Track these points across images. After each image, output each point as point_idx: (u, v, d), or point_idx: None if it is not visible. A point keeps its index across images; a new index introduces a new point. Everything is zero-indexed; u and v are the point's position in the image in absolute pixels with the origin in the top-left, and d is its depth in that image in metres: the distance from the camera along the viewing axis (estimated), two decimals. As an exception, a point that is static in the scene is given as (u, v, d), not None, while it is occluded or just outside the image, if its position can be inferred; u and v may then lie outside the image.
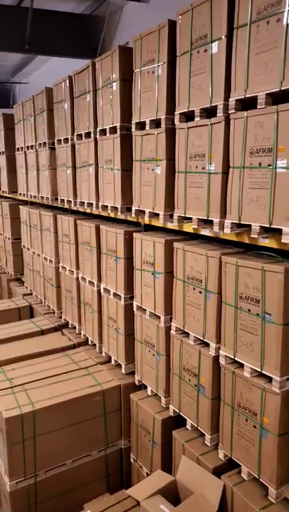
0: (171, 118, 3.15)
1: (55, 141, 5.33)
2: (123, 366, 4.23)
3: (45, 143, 5.63)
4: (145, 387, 4.04)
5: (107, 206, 4.19)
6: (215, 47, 2.57)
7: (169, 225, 3.42)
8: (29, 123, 6.15)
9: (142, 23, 3.43)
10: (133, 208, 3.71)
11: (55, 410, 3.92)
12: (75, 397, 4.02)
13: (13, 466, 3.75)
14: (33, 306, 6.82)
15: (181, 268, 3.19)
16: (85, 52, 5.33)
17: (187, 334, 3.24)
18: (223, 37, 2.53)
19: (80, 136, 4.64)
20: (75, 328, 5.46)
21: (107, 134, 3.98)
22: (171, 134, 3.17)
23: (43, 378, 4.43)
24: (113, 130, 3.90)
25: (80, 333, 5.27)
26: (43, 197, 6.03)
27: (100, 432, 4.23)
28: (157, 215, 3.45)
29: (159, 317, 3.52)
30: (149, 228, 3.89)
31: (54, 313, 6.05)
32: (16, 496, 3.77)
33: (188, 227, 3.22)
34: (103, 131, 4.12)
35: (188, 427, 3.37)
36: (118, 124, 3.74)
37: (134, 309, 3.90)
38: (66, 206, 5.45)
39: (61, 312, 5.89)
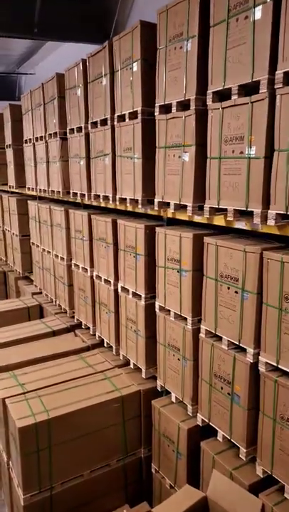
0: (201, 99, 2.84)
1: (67, 131, 5.03)
2: (143, 370, 3.94)
3: (56, 133, 5.33)
4: (168, 393, 3.75)
5: (125, 199, 3.89)
6: (258, 12, 2.26)
7: (197, 218, 3.12)
8: (38, 112, 5.84)
9: (157, 5, 3.10)
10: (156, 200, 3.41)
11: (72, 418, 3.64)
12: (92, 404, 3.74)
13: (27, 478, 3.48)
14: (42, 305, 6.55)
15: (212, 265, 2.89)
16: (97, 37, 5.02)
17: (219, 338, 2.95)
18: (269, 0, 2.21)
19: (94, 123, 4.34)
20: (88, 328, 5.18)
21: (126, 120, 3.67)
22: (201, 117, 2.87)
23: (57, 383, 4.16)
24: (133, 115, 3.59)
25: (95, 335, 4.99)
26: (53, 191, 5.73)
27: (119, 440, 3.96)
28: (184, 207, 3.15)
29: (186, 319, 3.23)
30: (172, 223, 3.59)
31: (66, 313, 5.77)
32: (30, 511, 3.51)
33: (219, 220, 2.92)
34: (121, 117, 3.82)
35: (219, 438, 3.08)
36: (139, 108, 3.43)
37: (157, 310, 3.60)
38: (79, 200, 5.16)
39: (73, 312, 5.61)
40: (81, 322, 5.34)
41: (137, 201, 3.71)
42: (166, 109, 3.22)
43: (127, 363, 4.42)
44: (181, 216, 3.28)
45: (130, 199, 3.77)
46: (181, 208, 3.21)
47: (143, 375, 3.97)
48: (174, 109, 3.05)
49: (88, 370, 4.43)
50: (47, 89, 5.44)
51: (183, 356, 3.31)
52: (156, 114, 3.25)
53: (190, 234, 3.05)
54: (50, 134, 5.55)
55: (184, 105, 3.01)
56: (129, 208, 3.96)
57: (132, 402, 3.97)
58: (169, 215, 3.45)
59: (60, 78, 5.02)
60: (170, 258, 3.31)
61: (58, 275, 5.90)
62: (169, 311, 3.44)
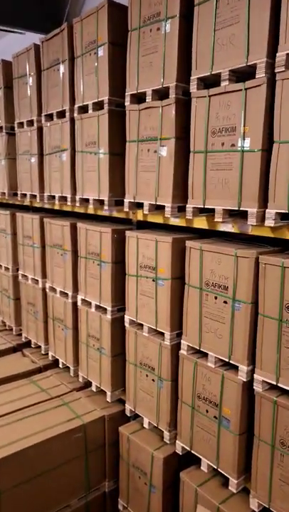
0: (182, 86, 2.54)
1: (15, 125, 4.48)
2: (108, 393, 3.49)
3: (1, 127, 4.75)
4: (136, 416, 3.35)
5: (87, 200, 3.46)
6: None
7: (174, 221, 2.80)
8: (-21, 105, 5.20)
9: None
10: (126, 200, 3.03)
11: (25, 457, 3.08)
12: (49, 437, 3.21)
13: (-29, 536, 2.86)
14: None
15: (196, 273, 2.56)
16: (47, 26, 4.56)
17: (204, 355, 2.62)
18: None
19: (49, 116, 3.87)
20: (39, 347, 4.60)
21: (90, 111, 3.27)
22: (182, 106, 2.56)
23: (4, 414, 3.55)
24: (98, 106, 3.20)
25: (47, 354, 4.43)
26: (-4, 193, 5.10)
27: (81, 475, 3.46)
28: (160, 208, 2.81)
29: (163, 334, 2.86)
30: (141, 227, 3.23)
31: (11, 330, 5.12)
32: None
33: (201, 223, 2.62)
34: (83, 109, 3.40)
35: (203, 468, 2.74)
36: (106, 98, 3.06)
37: (126, 324, 3.20)
38: (28, 202, 4.61)
39: (20, 329, 4.98)
40: (30, 340, 4.75)
41: (102, 202, 3.30)
42: (138, 98, 2.88)
43: (86, 385, 3.93)
44: (155, 218, 2.94)
45: (94, 200, 3.35)
46: (156, 209, 2.86)
47: (108, 399, 3.52)
48: (148, 98, 2.72)
49: (42, 395, 3.87)
50: (-11, 79, 4.86)
51: (158, 376, 2.94)
52: (127, 104, 2.90)
53: (169, 238, 2.71)
54: (-6, 129, 4.95)
55: (161, 94, 2.69)
56: (91, 211, 3.54)
57: (95, 430, 3.49)
58: (140, 218, 3.09)
59: (7, 66, 4.49)
60: (144, 265, 2.94)
61: (1, 288, 5.24)
62: (141, 325, 3.06)
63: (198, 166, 2.44)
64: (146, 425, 3.18)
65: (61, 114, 3.67)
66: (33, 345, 4.70)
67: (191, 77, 2.43)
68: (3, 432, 3.27)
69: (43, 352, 4.48)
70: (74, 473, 3.39)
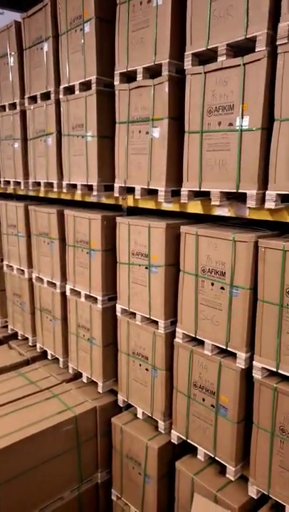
0: (176, 63, 2.42)
1: (-4, 108, 4.28)
2: (100, 384, 3.41)
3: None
4: (128, 407, 3.29)
5: (75, 185, 3.32)
6: None
7: (166, 206, 2.70)
8: None
9: None
10: (116, 185, 2.91)
11: (16, 451, 2.99)
12: (40, 430, 3.12)
13: None
14: None
15: (192, 259, 2.48)
16: (27, 4, 4.31)
17: (200, 342, 2.56)
18: None
19: (33, 98, 3.69)
20: (26, 339, 4.47)
21: (76, 92, 3.11)
22: (176, 85, 2.45)
23: (-6, 408, 3.44)
24: (85, 86, 3.05)
25: (35, 346, 4.31)
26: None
27: (73, 467, 3.39)
28: (153, 192, 2.71)
29: (157, 322, 2.78)
30: (132, 213, 3.13)
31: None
32: None
33: (195, 207, 2.53)
34: (69, 89, 3.24)
35: (199, 456, 2.69)
36: (93, 77, 2.91)
37: (118, 314, 3.11)
38: (11, 190, 4.43)
39: (6, 321, 4.84)
40: (16, 332, 4.61)
41: (90, 187, 3.17)
42: (128, 77, 2.74)
43: (76, 377, 3.84)
44: (147, 204, 2.84)
45: (82, 185, 3.22)
46: (148, 193, 2.76)
47: (99, 389, 3.43)
48: (139, 76, 2.59)
49: (31, 388, 3.76)
50: None
51: (152, 366, 2.87)
52: (116, 83, 2.76)
53: (162, 223, 2.62)
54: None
55: (152, 72, 2.57)
56: (78, 197, 3.41)
57: (86, 421, 3.42)
58: (131, 204, 2.99)
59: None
60: (136, 253, 2.84)
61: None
62: (134, 314, 2.97)
63: (194, 147, 2.34)
64: (140, 415, 3.12)
65: (46, 96, 3.50)
66: (20, 337, 4.56)
67: (186, 53, 2.31)
68: (1, 424, 3.16)
69: (30, 344, 4.36)
70: (66, 465, 3.32)
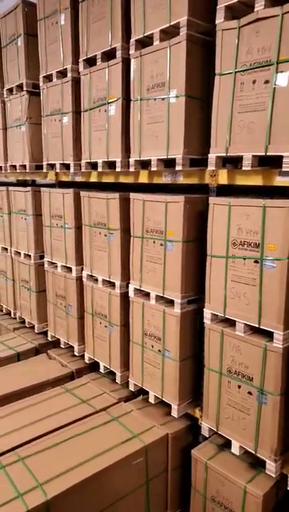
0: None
1: (41, 79, 3.68)
2: (174, 407, 2.77)
3: (20, 85, 3.95)
4: (206, 438, 2.65)
5: (145, 163, 2.71)
6: None
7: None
8: None
9: None
10: (212, 156, 2.28)
11: (81, 492, 2.39)
12: (108, 464, 2.51)
13: None
14: (-7, 319, 5.04)
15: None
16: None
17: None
18: None
19: (90, 61, 3.07)
20: (70, 348, 3.87)
21: (156, 43, 2.48)
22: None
23: (44, 434, 2.83)
24: (168, 34, 2.44)
25: (83, 356, 3.69)
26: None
27: (140, 508, 2.76)
28: (265, 162, 2.09)
29: (271, 334, 2.14)
30: (222, 193, 2.52)
31: (33, 328, 4.36)
32: None
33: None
34: (142, 43, 2.61)
35: None
36: (184, 19, 2.28)
37: (208, 321, 2.47)
38: (53, 176, 3.84)
39: (44, 327, 4.23)
40: (56, 340, 4.02)
41: (167, 163, 2.56)
42: (235, 11, 2.13)
43: (134, 395, 3.22)
44: (254, 179, 2.21)
45: (158, 160, 2.59)
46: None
47: (174, 413, 2.79)
48: (259, 4, 1.97)
49: (84, 408, 3.15)
50: None
51: (260, 389, 2.22)
52: (221, 20, 2.14)
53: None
54: None
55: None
56: (144, 179, 2.81)
57: (157, 452, 2.80)
58: (223, 181, 2.36)
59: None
60: (240, 242, 2.20)
61: (19, 278, 4.46)
62: (231, 321, 2.33)
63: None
64: (235, 450, 2.46)
65: (108, 56, 2.89)
66: (62, 345, 3.95)
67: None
68: (49, 459, 2.55)
69: (76, 353, 3.74)
70: (134, 506, 2.70)
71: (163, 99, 2.45)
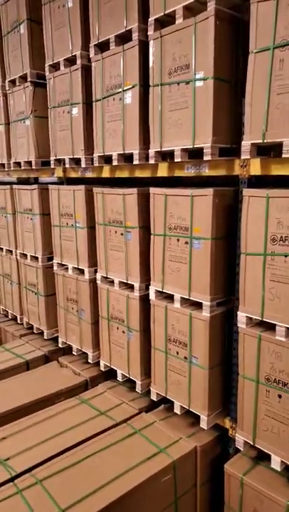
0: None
1: (47, 68, 3.44)
2: (204, 418, 2.55)
3: (24, 76, 3.72)
4: (238, 450, 2.43)
5: (166, 154, 2.49)
6: None
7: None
8: None
9: None
10: (245, 143, 2.06)
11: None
12: (133, 485, 2.30)
13: None
14: (-1, 325, 4.81)
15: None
16: None
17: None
18: None
19: (101, 46, 2.84)
20: (82, 355, 3.65)
21: (178, 21, 2.26)
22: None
23: (62, 451, 2.61)
24: (190, 12, 2.22)
25: (98, 363, 3.47)
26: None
27: (169, 530, 2.54)
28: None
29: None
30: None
31: (42, 334, 4.14)
32: None
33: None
34: (161, 23, 2.39)
35: None
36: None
37: (242, 325, 2.25)
38: (60, 173, 3.61)
39: (54, 333, 4.01)
40: (67, 347, 3.81)
41: (192, 154, 2.34)
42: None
43: (155, 404, 3.02)
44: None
45: (182, 150, 2.37)
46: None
47: (203, 425, 2.58)
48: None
49: (103, 420, 2.94)
50: None
51: (304, 398, 2.01)
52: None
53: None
54: None
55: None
56: (163, 172, 2.59)
57: (186, 467, 2.59)
58: (256, 171, 2.15)
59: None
60: (280, 238, 1.99)
61: (26, 282, 4.23)
62: (269, 325, 2.12)
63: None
64: (275, 465, 2.25)
65: (122, 39, 2.65)
66: (75, 352, 3.72)
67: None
68: (73, 479, 2.35)
69: (90, 360, 3.51)
70: (162, 528, 2.49)
71: (187, 83, 2.23)
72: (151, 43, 2.41)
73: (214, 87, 2.13)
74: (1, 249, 4.65)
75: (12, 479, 2.36)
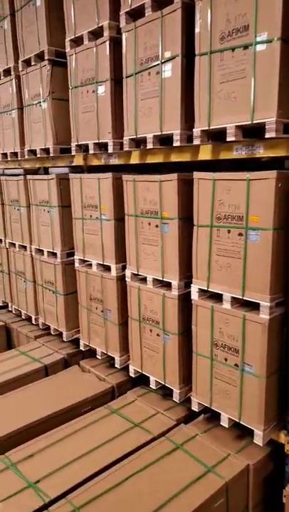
0: None
1: (67, 43, 3.11)
2: (259, 433, 2.25)
3: (27, 60, 3.39)
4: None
5: (215, 134, 2.17)
6: None
7: None
8: None
9: None
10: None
11: None
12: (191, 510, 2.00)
13: None
14: (10, 325, 4.50)
15: None
16: None
17: None
18: None
19: (133, 14, 2.51)
20: (108, 358, 3.35)
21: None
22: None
23: (98, 472, 2.31)
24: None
25: (126, 369, 3.17)
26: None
27: None
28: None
29: None
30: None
31: (60, 335, 3.83)
32: None
33: None
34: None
35: None
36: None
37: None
38: (80, 161, 3.29)
39: (74, 334, 3.71)
40: (87, 350, 3.51)
41: (246, 132, 2.02)
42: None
43: (192, 414, 2.72)
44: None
45: (236, 127, 2.05)
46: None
47: (257, 441, 2.28)
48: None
49: (137, 433, 2.65)
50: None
51: None
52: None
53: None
54: None
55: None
56: (209, 155, 2.27)
57: (238, 488, 2.31)
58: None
59: None
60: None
61: (42, 280, 3.92)
62: None
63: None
64: None
65: (159, 5, 2.31)
66: (99, 356, 3.42)
67: None
68: (114, 505, 2.06)
69: (117, 365, 3.21)
70: None
71: (246, 47, 1.90)
72: (197, 3, 2.09)
73: (281, 50, 1.81)
74: (14, 244, 4.33)
75: (46, 506, 2.07)
